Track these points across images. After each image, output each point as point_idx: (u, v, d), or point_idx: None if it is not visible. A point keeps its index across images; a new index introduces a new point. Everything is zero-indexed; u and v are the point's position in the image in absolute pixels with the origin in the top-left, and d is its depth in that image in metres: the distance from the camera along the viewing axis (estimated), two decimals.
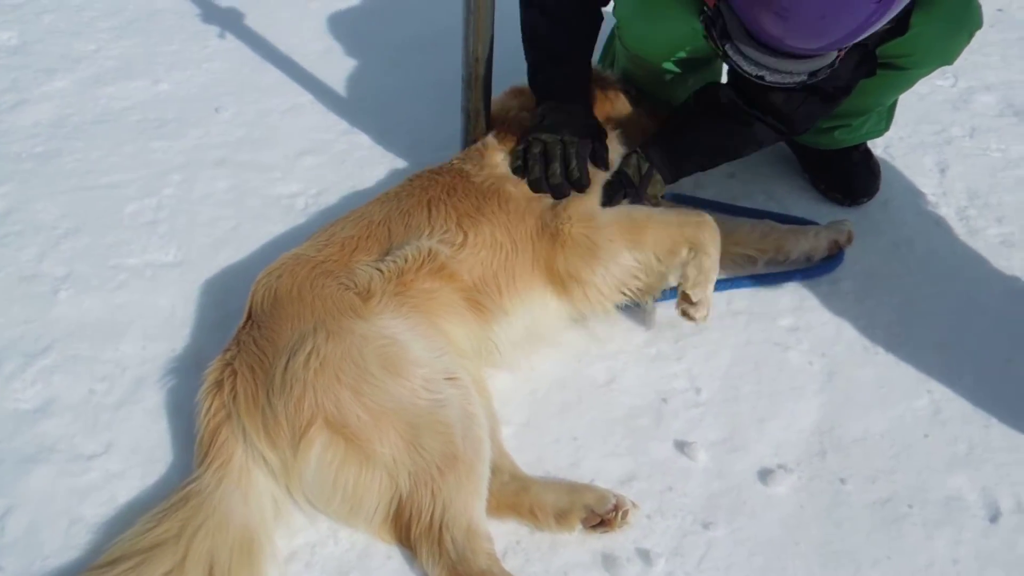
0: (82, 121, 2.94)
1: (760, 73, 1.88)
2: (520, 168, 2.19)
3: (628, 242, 2.08)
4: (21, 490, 1.84)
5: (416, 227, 2.02)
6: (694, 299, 2.09)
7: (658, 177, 2.29)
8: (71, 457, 1.91)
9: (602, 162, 2.26)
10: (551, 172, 2.15)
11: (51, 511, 1.81)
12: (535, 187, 2.16)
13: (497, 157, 2.25)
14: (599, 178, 2.28)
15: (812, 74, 1.88)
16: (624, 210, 2.19)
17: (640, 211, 2.19)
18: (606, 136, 2.33)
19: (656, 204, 2.30)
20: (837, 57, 1.87)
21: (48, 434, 1.96)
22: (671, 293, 2.21)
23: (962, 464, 1.96)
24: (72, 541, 1.76)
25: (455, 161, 2.26)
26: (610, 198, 2.26)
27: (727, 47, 1.88)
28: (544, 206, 2.14)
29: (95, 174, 2.71)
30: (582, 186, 2.16)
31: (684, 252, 2.09)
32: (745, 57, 1.86)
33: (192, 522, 1.61)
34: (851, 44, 1.82)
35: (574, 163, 2.15)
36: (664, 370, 2.16)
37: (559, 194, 2.15)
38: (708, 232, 2.10)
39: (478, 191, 2.13)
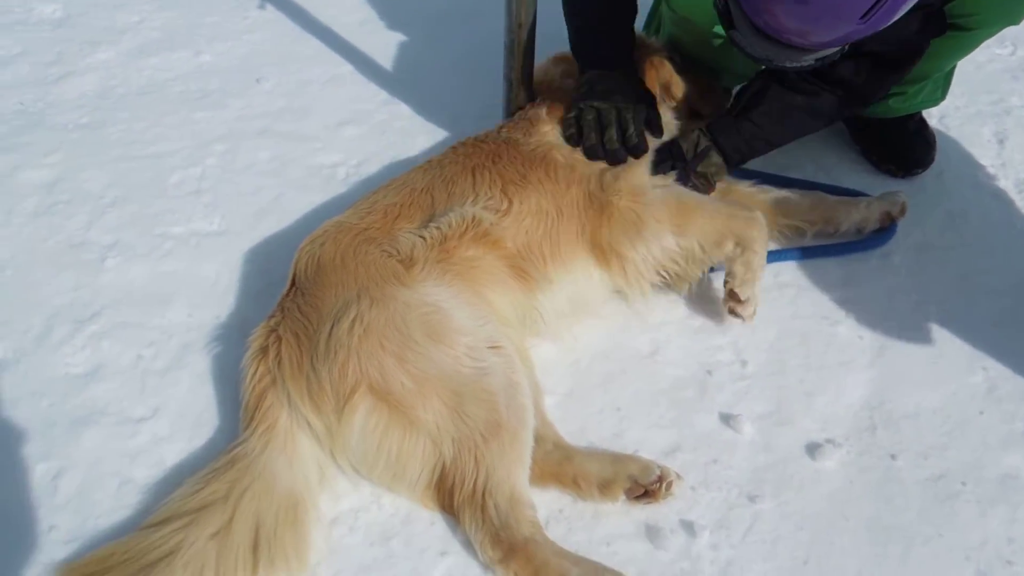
0: (126, 92, 2.97)
1: (767, 56, 1.85)
2: (574, 136, 2.17)
3: (674, 226, 2.06)
4: (73, 452, 1.88)
5: (460, 194, 2.00)
6: (742, 297, 2.07)
7: (715, 158, 2.25)
8: (120, 420, 1.95)
9: (656, 128, 2.24)
10: (608, 138, 2.13)
11: (102, 472, 1.84)
12: (591, 154, 2.14)
13: (547, 127, 2.22)
14: (650, 149, 2.24)
15: (819, 59, 1.83)
16: (675, 192, 2.15)
17: (691, 196, 2.15)
18: (656, 102, 2.29)
19: (707, 184, 2.26)
20: (845, 46, 1.82)
21: (98, 398, 1.99)
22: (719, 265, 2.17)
23: (1019, 442, 1.90)
24: (122, 501, 1.79)
25: (502, 130, 2.24)
26: (655, 165, 2.22)
27: (733, 35, 1.85)
28: (593, 175, 2.11)
29: (140, 144, 2.74)
30: (640, 151, 2.14)
31: (730, 246, 2.06)
32: (751, 45, 1.84)
33: (239, 484, 1.63)
34: (867, 35, 1.72)
35: (632, 128, 2.13)
36: (709, 342, 2.13)
37: (616, 159, 2.12)
38: (757, 229, 2.07)
39: (524, 158, 2.10)
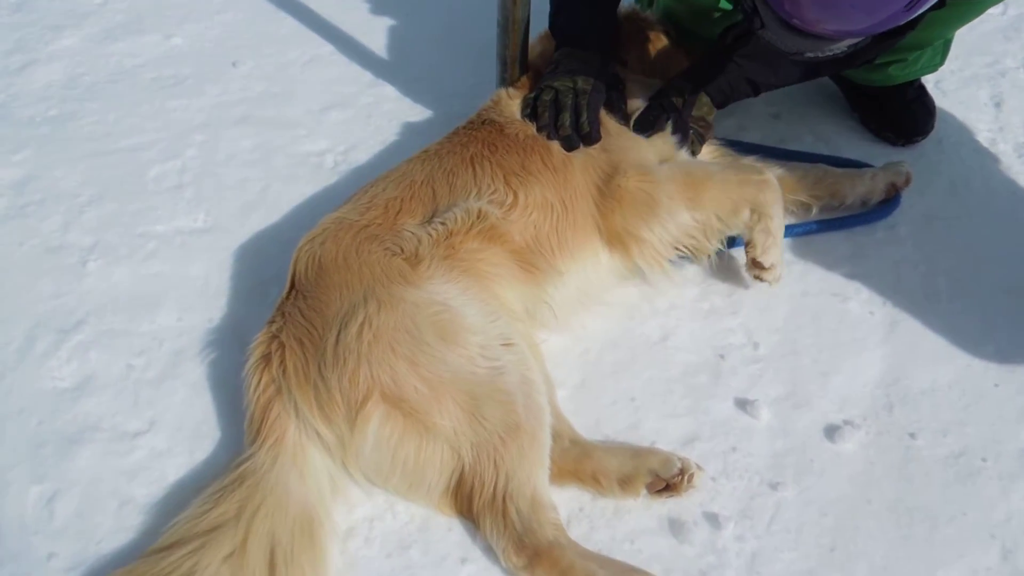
0: (95, 81, 2.82)
1: (798, 49, 1.79)
2: (530, 115, 2.10)
3: (687, 200, 2.00)
4: (67, 472, 1.79)
5: (462, 187, 1.93)
6: (765, 264, 2.04)
7: (703, 99, 2.19)
8: (115, 436, 1.86)
9: (619, 112, 2.16)
10: (560, 122, 2.05)
11: (100, 493, 1.76)
12: (544, 135, 2.07)
13: (513, 106, 2.16)
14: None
15: (851, 47, 1.78)
16: (683, 166, 2.09)
17: (699, 167, 2.09)
18: (624, 86, 2.21)
19: (707, 126, 2.20)
20: None
21: (90, 413, 1.90)
22: (739, 241, 2.14)
23: None
24: (124, 523, 1.71)
25: (482, 112, 2.17)
26: (651, 124, 2.15)
27: (763, 34, 1.80)
28: (592, 162, 2.04)
29: (114, 137, 2.61)
30: (591, 140, 2.05)
31: (745, 213, 2.02)
32: (782, 40, 1.79)
33: (250, 503, 1.56)
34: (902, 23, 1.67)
35: (585, 115, 2.05)
36: (719, 325, 2.08)
37: (569, 146, 2.05)
38: (770, 193, 2.02)
39: (520, 146, 2.03)
